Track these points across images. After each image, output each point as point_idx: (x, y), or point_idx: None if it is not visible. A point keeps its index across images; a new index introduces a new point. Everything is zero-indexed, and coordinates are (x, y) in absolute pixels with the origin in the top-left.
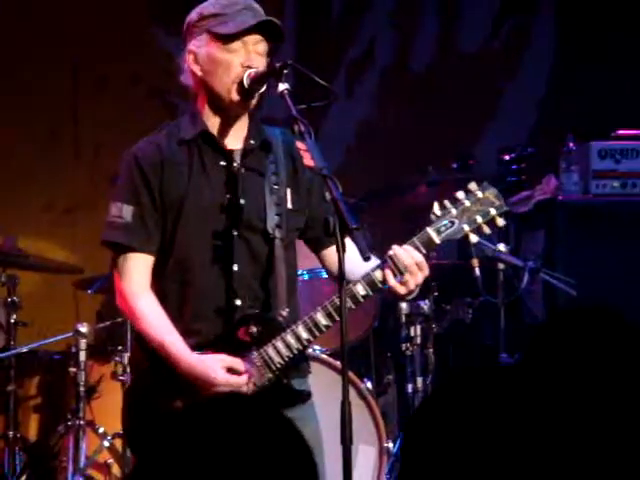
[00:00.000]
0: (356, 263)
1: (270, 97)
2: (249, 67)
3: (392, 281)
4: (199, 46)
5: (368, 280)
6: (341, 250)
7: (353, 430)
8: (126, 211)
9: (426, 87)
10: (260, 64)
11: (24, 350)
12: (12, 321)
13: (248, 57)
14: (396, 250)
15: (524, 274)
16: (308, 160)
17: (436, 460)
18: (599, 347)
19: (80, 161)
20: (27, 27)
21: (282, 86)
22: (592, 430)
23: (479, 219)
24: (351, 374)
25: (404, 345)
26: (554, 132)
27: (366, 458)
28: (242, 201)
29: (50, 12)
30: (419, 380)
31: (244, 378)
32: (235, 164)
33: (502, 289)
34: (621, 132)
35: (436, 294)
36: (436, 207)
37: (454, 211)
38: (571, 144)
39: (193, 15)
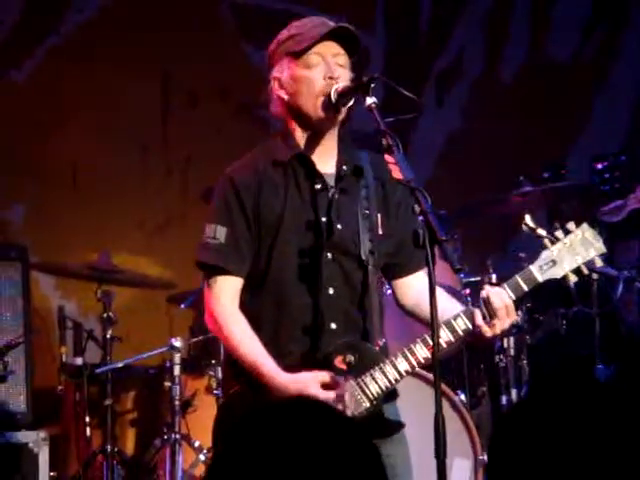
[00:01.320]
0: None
1: (358, 111)
2: (331, 78)
3: (480, 321)
4: (281, 71)
5: (468, 314)
6: (431, 261)
7: (447, 443)
8: (220, 233)
9: (516, 97)
10: (343, 76)
11: (120, 365)
12: (108, 336)
13: (329, 69)
14: (489, 292)
15: (618, 284)
16: (397, 173)
17: (521, 475)
18: None
19: (171, 176)
20: (119, 42)
21: (370, 100)
22: None
23: (579, 260)
24: (444, 387)
25: (497, 356)
26: None
27: (461, 471)
28: (339, 226)
29: (142, 28)
30: (513, 392)
31: (338, 394)
32: (330, 187)
33: (596, 299)
34: None
35: (529, 305)
36: (545, 242)
37: (555, 250)
38: None
39: (272, 44)
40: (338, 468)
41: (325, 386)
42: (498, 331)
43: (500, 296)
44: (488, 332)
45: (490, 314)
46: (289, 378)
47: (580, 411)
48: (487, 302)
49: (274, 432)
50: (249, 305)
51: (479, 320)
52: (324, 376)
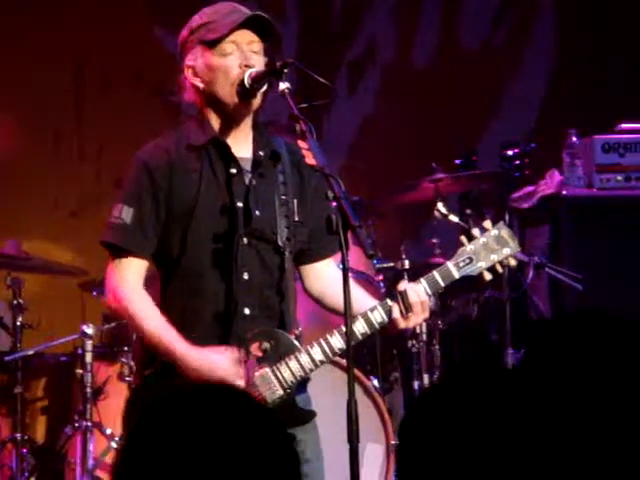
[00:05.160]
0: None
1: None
2: (247, 67)
3: (396, 314)
4: (195, 59)
5: (386, 309)
6: (344, 247)
7: (360, 428)
8: (126, 213)
9: (428, 84)
10: (258, 63)
11: (30, 352)
12: (18, 323)
13: (244, 56)
14: (407, 287)
15: (529, 269)
16: (310, 159)
17: (431, 459)
18: (597, 351)
19: (84, 162)
20: (30, 28)
21: (283, 85)
22: (589, 434)
23: (495, 258)
24: (357, 372)
25: (410, 342)
26: (557, 127)
27: (374, 456)
28: (257, 212)
29: (53, 12)
30: (425, 377)
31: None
32: (246, 173)
33: (507, 284)
34: (624, 126)
35: (441, 290)
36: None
37: (472, 247)
38: (574, 139)
39: (184, 32)
40: (251, 454)
41: (235, 363)
42: (411, 325)
43: (417, 291)
44: (402, 325)
45: (406, 308)
46: (199, 357)
47: (488, 397)
48: (404, 296)
49: (185, 419)
50: (163, 291)
51: (395, 313)
52: (233, 352)
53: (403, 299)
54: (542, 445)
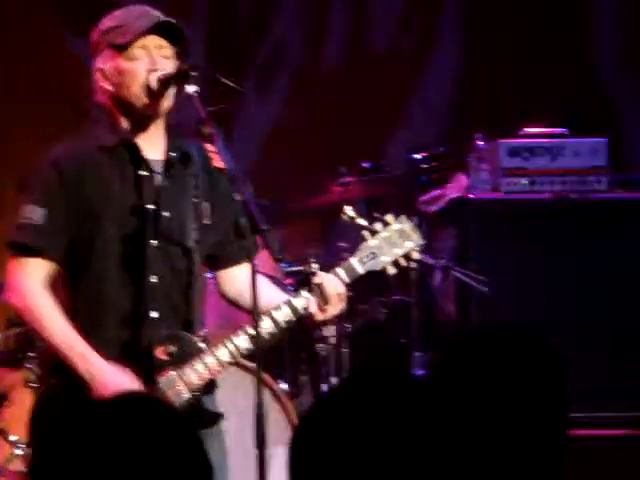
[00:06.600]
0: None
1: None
2: (155, 71)
3: (314, 308)
4: (104, 62)
5: (291, 306)
6: (253, 250)
7: (268, 433)
8: (36, 213)
9: (337, 86)
10: (167, 67)
11: None
12: None
13: (152, 61)
14: (323, 279)
15: (436, 272)
16: (218, 162)
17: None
18: (497, 366)
19: None
20: None
21: (190, 88)
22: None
23: (398, 251)
24: (265, 376)
25: (318, 345)
26: (464, 131)
27: (282, 461)
28: (167, 213)
29: None
30: (334, 380)
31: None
32: (157, 175)
33: (415, 287)
34: (529, 130)
35: (350, 294)
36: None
37: (375, 242)
38: (480, 142)
39: (94, 35)
40: (161, 459)
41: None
42: (329, 316)
43: (333, 283)
44: (320, 317)
45: (324, 300)
46: (107, 369)
47: (385, 404)
48: (321, 288)
49: (95, 428)
50: (70, 294)
51: (312, 307)
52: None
53: (320, 290)
54: (440, 453)
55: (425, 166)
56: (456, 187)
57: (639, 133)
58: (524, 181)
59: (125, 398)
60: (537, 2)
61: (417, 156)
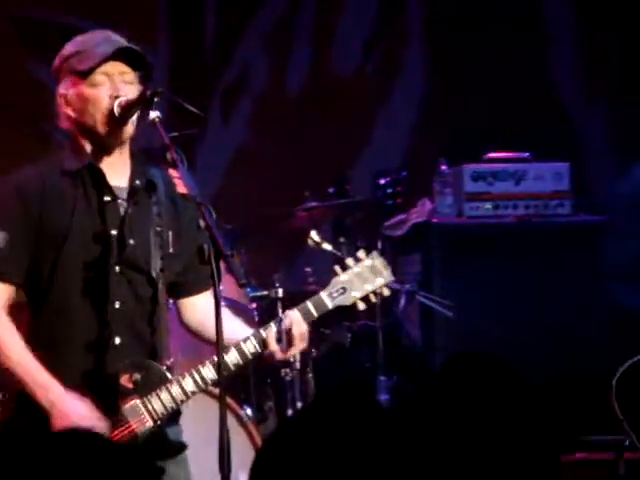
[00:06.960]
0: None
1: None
2: (117, 97)
3: (274, 346)
4: (67, 88)
5: (259, 339)
6: (216, 277)
7: (233, 458)
8: None
9: (301, 112)
10: (130, 93)
11: None
12: None
13: (114, 88)
14: (292, 321)
15: (401, 297)
16: (181, 188)
17: None
18: (473, 395)
19: None
20: None
21: (153, 114)
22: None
23: (369, 288)
24: (230, 401)
25: (283, 370)
26: (428, 156)
27: None
28: (131, 241)
29: None
30: (299, 405)
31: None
32: (121, 201)
33: (380, 312)
34: (492, 155)
35: (314, 319)
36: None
37: (346, 277)
38: (444, 167)
39: (56, 60)
40: None
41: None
42: (289, 355)
43: (299, 324)
44: (280, 355)
45: (288, 340)
46: (68, 402)
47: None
48: (288, 330)
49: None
50: (31, 320)
51: (273, 346)
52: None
53: (287, 332)
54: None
55: (390, 190)
56: (420, 212)
57: (600, 158)
58: (488, 205)
59: (73, 435)
60: (501, 31)
61: (381, 181)
